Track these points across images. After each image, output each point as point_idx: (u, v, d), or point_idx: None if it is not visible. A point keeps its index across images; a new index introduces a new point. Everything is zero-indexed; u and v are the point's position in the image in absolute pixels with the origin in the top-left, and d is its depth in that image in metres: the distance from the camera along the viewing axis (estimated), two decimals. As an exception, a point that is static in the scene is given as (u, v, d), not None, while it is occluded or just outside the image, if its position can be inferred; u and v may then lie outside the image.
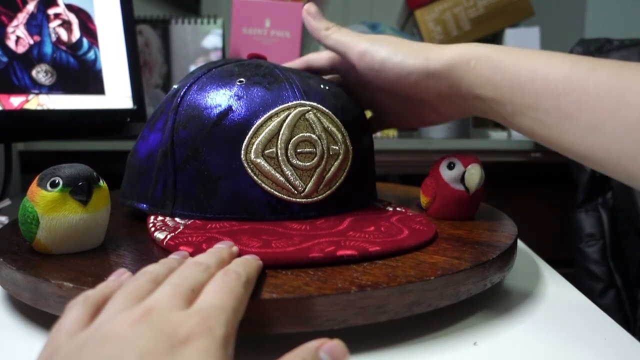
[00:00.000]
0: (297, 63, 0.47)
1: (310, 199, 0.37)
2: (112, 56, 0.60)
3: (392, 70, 0.38)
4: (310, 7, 0.43)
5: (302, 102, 0.37)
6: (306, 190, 0.36)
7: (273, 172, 0.36)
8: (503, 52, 0.34)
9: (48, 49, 0.54)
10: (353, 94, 0.45)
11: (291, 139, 0.36)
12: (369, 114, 0.49)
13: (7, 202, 0.53)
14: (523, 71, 0.32)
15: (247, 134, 0.36)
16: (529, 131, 0.33)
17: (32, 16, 0.53)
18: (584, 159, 0.31)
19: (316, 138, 0.37)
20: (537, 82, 0.31)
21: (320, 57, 0.47)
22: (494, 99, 0.34)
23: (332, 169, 0.37)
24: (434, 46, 0.37)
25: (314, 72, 0.46)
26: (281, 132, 0.36)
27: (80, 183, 0.31)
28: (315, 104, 0.37)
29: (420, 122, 0.44)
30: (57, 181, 0.31)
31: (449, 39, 0.98)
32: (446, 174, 0.41)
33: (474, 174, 0.40)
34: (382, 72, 0.38)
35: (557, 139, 0.31)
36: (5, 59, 0.50)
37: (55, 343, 0.20)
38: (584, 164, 0.31)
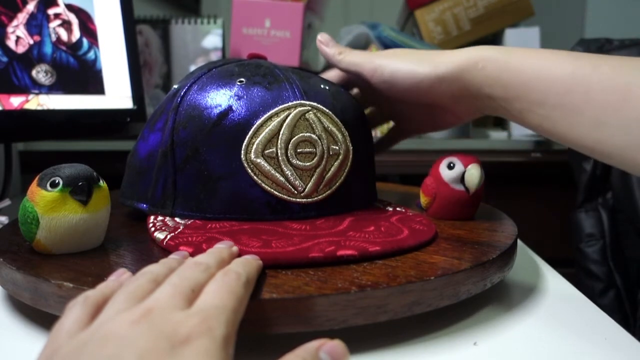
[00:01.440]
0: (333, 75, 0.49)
1: (310, 199, 0.37)
2: (112, 56, 0.60)
3: (404, 80, 0.39)
4: (323, 36, 0.46)
5: (302, 102, 0.37)
6: (306, 190, 0.36)
7: (273, 172, 0.36)
8: (509, 52, 0.35)
9: (48, 49, 0.54)
10: (372, 109, 0.48)
11: (291, 139, 0.36)
12: (383, 128, 0.51)
13: (7, 202, 0.53)
14: (529, 70, 0.34)
15: (247, 133, 0.36)
16: (539, 127, 0.34)
17: (32, 16, 0.53)
18: (592, 152, 0.32)
19: (316, 138, 0.37)
20: (543, 79, 0.33)
21: (331, 76, 0.49)
22: (503, 97, 0.35)
23: (332, 169, 0.37)
24: (442, 52, 0.39)
25: (314, 72, 0.46)
26: (281, 132, 0.36)
27: (80, 183, 0.31)
28: (315, 103, 0.37)
29: (439, 126, 0.46)
30: (57, 181, 0.31)
31: (449, 39, 0.98)
32: (446, 174, 0.41)
33: (474, 174, 0.40)
34: (395, 83, 0.40)
35: (565, 133, 0.32)
36: (5, 59, 0.50)
37: (55, 343, 0.20)
38: (593, 157, 0.33)
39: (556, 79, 0.32)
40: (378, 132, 0.91)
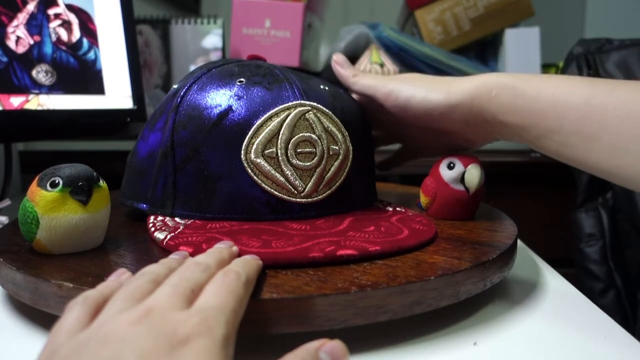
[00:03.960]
0: None
1: (310, 199, 0.37)
2: (112, 56, 0.60)
3: (418, 106, 0.40)
4: (339, 57, 0.47)
5: (302, 102, 0.37)
6: (306, 190, 0.36)
7: (273, 172, 0.36)
8: (523, 79, 0.35)
9: (48, 49, 0.54)
10: (383, 131, 0.50)
11: (291, 139, 0.36)
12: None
13: (7, 202, 0.53)
14: (544, 97, 0.34)
15: (247, 134, 0.36)
16: (555, 153, 0.35)
17: (32, 16, 0.53)
18: (610, 177, 0.32)
19: (316, 138, 0.37)
20: (559, 106, 0.33)
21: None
22: (519, 124, 0.35)
23: (332, 169, 0.37)
24: (455, 79, 0.39)
25: (314, 72, 0.46)
26: (281, 132, 0.36)
27: (80, 183, 0.31)
28: (315, 103, 0.37)
29: (450, 150, 0.46)
30: (57, 181, 0.31)
31: (449, 39, 0.98)
32: (446, 174, 0.41)
33: (474, 174, 0.40)
34: (408, 108, 0.40)
35: (582, 159, 0.32)
36: (5, 59, 0.50)
37: (55, 343, 0.20)
38: (612, 182, 0.32)
39: (572, 105, 0.32)
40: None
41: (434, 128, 0.42)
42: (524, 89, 0.35)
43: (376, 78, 0.43)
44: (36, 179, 0.32)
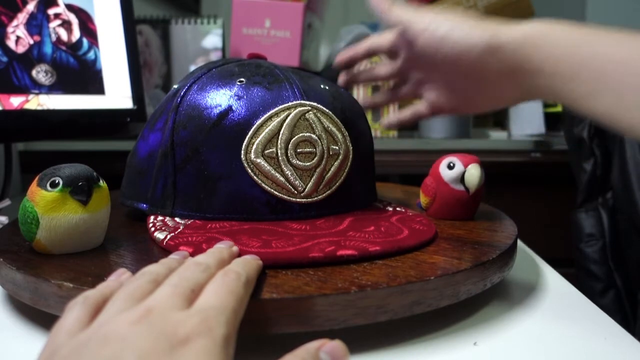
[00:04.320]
0: (362, 48, 0.47)
1: (310, 199, 0.37)
2: (112, 56, 0.60)
3: (454, 45, 0.37)
4: None
5: (302, 102, 0.37)
6: (306, 190, 0.36)
7: (273, 172, 0.36)
8: (581, 29, 0.32)
9: (48, 49, 0.54)
10: (398, 81, 0.45)
11: (291, 138, 0.36)
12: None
13: (7, 202, 0.53)
14: (605, 48, 0.30)
15: (247, 133, 0.36)
16: (606, 114, 0.31)
17: (32, 16, 0.53)
18: None
19: (316, 138, 0.37)
20: (621, 60, 0.30)
21: (382, 39, 0.46)
22: (569, 78, 0.32)
23: (332, 169, 0.37)
24: (502, 23, 0.36)
25: (314, 72, 0.46)
26: (281, 132, 0.36)
27: (80, 183, 0.31)
28: (315, 103, 0.37)
29: (473, 106, 0.42)
30: (57, 181, 0.31)
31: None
32: (446, 174, 0.41)
33: (474, 174, 0.40)
34: (444, 46, 0.37)
35: (637, 122, 0.29)
36: (5, 59, 0.50)
37: (55, 343, 0.20)
38: None
39: (636, 59, 0.29)
40: (378, 133, 0.91)
41: (464, 74, 0.38)
42: (582, 38, 0.31)
43: (414, 10, 0.39)
44: (36, 179, 0.32)
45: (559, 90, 0.33)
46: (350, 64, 0.48)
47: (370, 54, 0.47)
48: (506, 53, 0.35)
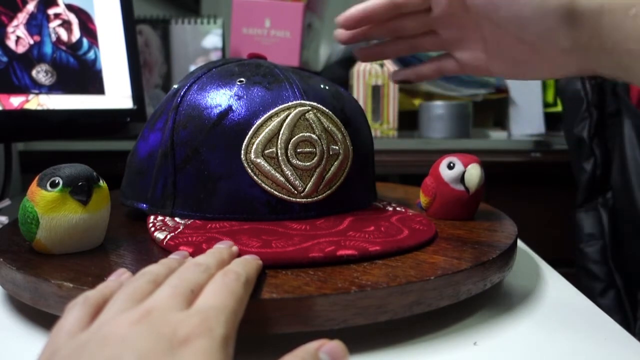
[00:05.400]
0: (380, 4, 0.38)
1: (310, 199, 0.37)
2: (112, 56, 0.60)
3: (522, 8, 0.31)
4: None
5: (302, 102, 0.37)
6: (306, 190, 0.36)
7: (273, 172, 0.36)
8: None
9: (48, 49, 0.54)
10: (434, 35, 0.38)
11: (291, 138, 0.36)
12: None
13: (7, 202, 0.53)
14: None
15: (247, 133, 0.36)
16: None
17: (32, 16, 0.53)
18: None
19: (316, 138, 0.37)
20: None
21: None
22: None
23: (332, 169, 0.37)
24: None
25: (314, 72, 0.46)
26: (281, 132, 0.36)
27: (80, 183, 0.31)
28: (315, 103, 0.37)
29: (522, 73, 0.37)
30: (57, 181, 0.31)
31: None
32: (446, 174, 0.41)
33: (474, 174, 0.40)
34: (509, 7, 0.32)
35: None
36: (5, 59, 0.50)
37: (55, 344, 0.20)
38: None
39: None
40: (378, 132, 0.91)
41: (522, 40, 0.33)
42: None
43: None
44: (36, 179, 0.32)
45: (638, 70, 0.29)
46: (362, 24, 0.40)
47: (394, 9, 0.38)
48: (582, 25, 0.30)
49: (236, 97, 0.37)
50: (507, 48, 0.35)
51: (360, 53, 0.44)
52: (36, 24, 0.53)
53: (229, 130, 0.36)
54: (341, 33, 0.41)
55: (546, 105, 1.00)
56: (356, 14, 0.39)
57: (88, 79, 0.58)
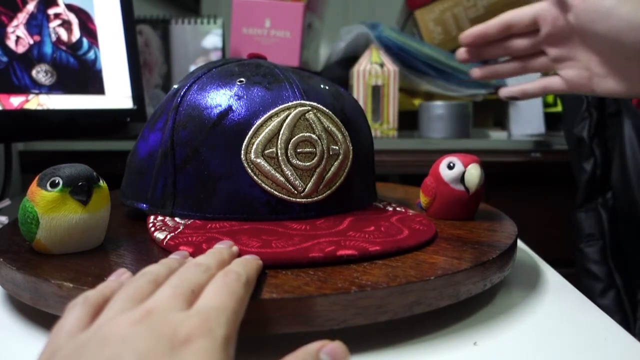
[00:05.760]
0: (495, 23, 0.43)
1: (310, 199, 0.37)
2: (112, 56, 0.60)
3: (618, 21, 0.32)
4: None
5: (302, 102, 0.37)
6: (306, 190, 0.36)
7: (273, 172, 0.36)
8: None
9: (48, 49, 0.54)
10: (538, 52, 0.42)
11: (291, 139, 0.36)
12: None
13: (7, 202, 0.53)
14: None
15: (247, 133, 0.36)
16: None
17: (32, 16, 0.53)
18: None
19: (316, 138, 0.37)
20: None
21: (521, 12, 0.42)
22: None
23: (332, 169, 0.37)
24: None
25: (314, 72, 0.46)
26: (281, 132, 0.36)
27: (80, 183, 0.31)
28: (315, 103, 0.37)
29: (618, 91, 0.38)
30: (57, 181, 0.31)
31: (449, 39, 0.98)
32: (446, 174, 0.41)
33: (474, 174, 0.40)
34: (606, 21, 0.33)
35: None
36: (5, 59, 0.50)
37: (55, 344, 0.20)
38: None
39: None
40: (378, 132, 0.91)
41: (617, 52, 0.34)
42: None
43: None
44: (36, 179, 0.32)
45: None
46: (478, 42, 0.44)
47: (506, 29, 0.43)
48: None
49: (236, 97, 0.37)
50: (612, 64, 0.36)
51: (475, 73, 0.48)
52: (36, 24, 0.53)
53: (229, 130, 0.36)
54: (461, 52, 0.46)
55: (546, 105, 1.00)
56: (474, 31, 0.44)
57: (88, 79, 0.58)
